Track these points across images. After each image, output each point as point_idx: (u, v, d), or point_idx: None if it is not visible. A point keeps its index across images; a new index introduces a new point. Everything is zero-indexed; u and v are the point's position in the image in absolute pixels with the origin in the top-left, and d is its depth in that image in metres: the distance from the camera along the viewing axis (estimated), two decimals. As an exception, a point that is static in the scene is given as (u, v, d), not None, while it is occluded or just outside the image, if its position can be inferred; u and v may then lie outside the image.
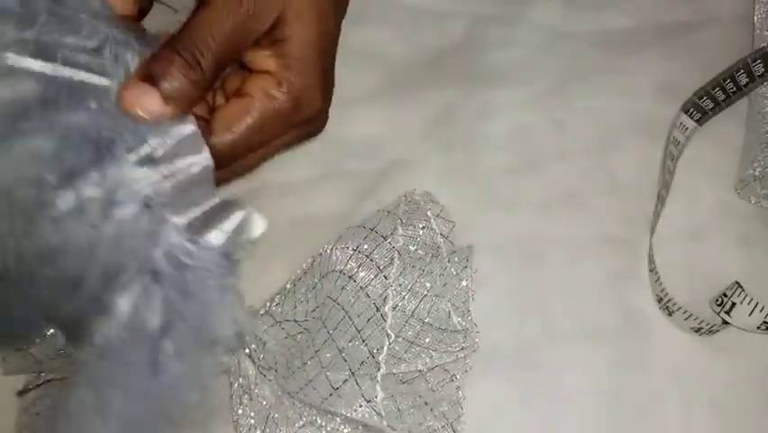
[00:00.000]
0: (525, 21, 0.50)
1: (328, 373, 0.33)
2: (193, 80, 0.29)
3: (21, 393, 0.41)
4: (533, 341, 0.41)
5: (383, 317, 0.34)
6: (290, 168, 0.47)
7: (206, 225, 0.27)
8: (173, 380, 0.26)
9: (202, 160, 0.28)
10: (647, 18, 0.50)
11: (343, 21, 0.49)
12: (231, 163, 0.32)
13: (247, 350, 0.37)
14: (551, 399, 0.39)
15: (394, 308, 0.35)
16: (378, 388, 0.31)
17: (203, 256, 0.26)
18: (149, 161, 0.26)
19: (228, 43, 0.30)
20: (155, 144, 0.26)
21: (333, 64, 0.36)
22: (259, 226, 0.28)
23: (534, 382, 0.40)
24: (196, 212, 0.27)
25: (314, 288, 0.38)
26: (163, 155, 0.27)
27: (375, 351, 0.33)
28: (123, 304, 0.25)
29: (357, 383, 0.32)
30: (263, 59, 0.33)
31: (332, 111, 0.47)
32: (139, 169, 0.26)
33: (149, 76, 0.28)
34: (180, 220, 0.26)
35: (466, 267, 0.39)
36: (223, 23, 0.30)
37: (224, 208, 0.28)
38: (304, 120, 0.34)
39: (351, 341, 0.34)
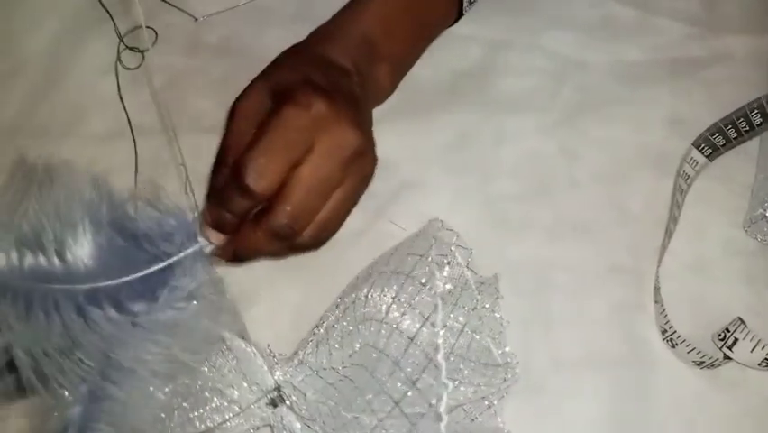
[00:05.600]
0: (540, 49, 0.51)
1: (386, 426, 0.34)
2: None
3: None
4: (539, 367, 0.41)
5: (436, 366, 0.34)
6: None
7: None
8: None
9: None
10: (660, 52, 0.51)
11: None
12: (270, 182, 0.36)
13: (288, 402, 0.37)
14: (555, 425, 0.40)
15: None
16: None
17: None
18: None
19: None
20: None
21: (326, 87, 0.38)
22: None
23: (540, 408, 0.40)
24: None
25: (349, 334, 0.38)
26: None
27: (433, 401, 0.33)
28: None
29: None
30: None
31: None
32: None
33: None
34: None
35: (497, 298, 0.39)
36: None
37: None
38: (311, 118, 0.37)
39: (406, 392, 0.34)
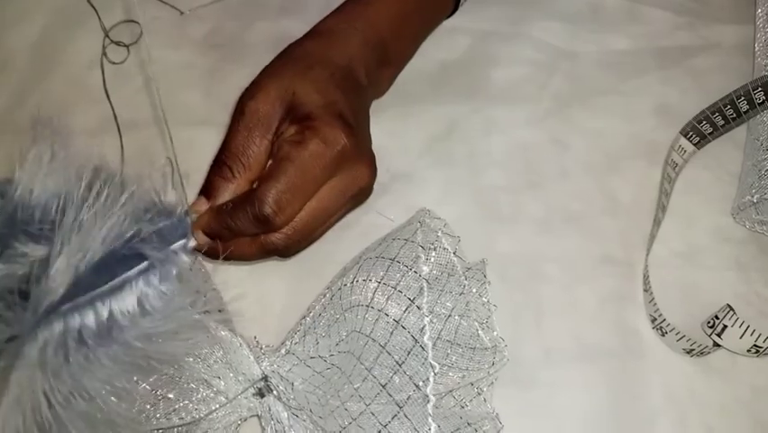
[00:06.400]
0: (528, 39, 0.51)
1: (373, 410, 0.33)
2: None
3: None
4: (530, 358, 0.41)
5: (423, 348, 0.34)
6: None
7: None
8: None
9: None
10: (649, 41, 0.51)
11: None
12: (289, 217, 0.36)
13: (275, 392, 0.37)
14: (546, 416, 0.40)
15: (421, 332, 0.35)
16: (430, 420, 0.31)
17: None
18: None
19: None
20: None
21: (349, 117, 0.38)
22: None
23: (530, 398, 0.40)
24: None
25: (336, 322, 0.37)
26: None
27: (420, 384, 0.32)
28: None
29: (407, 417, 0.32)
30: (287, 135, 0.38)
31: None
32: None
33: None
34: None
35: (484, 283, 0.39)
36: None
37: None
38: (336, 157, 0.36)
39: (392, 376, 0.34)
